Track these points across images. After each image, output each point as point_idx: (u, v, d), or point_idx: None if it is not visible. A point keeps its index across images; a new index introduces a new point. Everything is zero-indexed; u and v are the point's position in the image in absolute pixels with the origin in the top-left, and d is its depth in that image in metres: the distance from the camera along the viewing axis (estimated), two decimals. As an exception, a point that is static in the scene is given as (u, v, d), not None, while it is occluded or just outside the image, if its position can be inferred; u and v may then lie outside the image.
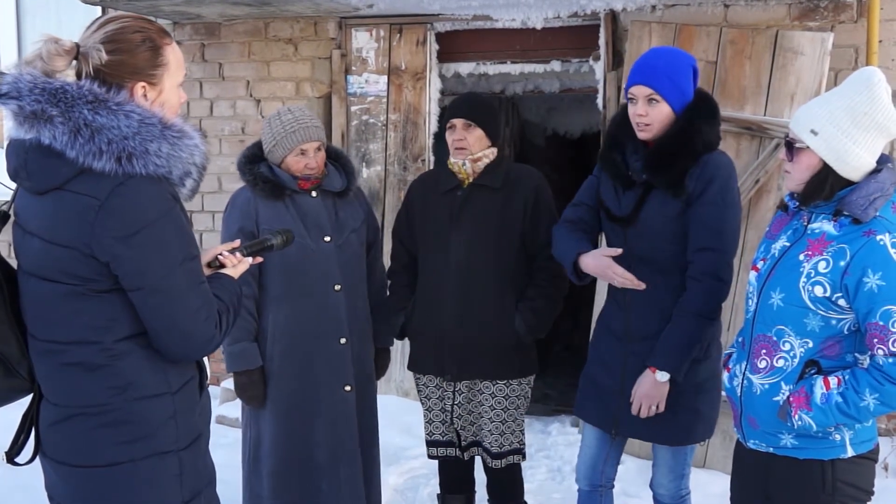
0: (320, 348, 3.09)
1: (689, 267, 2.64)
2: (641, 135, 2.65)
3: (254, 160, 3.11)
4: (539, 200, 3.16)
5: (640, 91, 2.61)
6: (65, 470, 1.90)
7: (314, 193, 3.11)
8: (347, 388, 3.12)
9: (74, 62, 1.84)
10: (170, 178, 1.84)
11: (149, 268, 1.81)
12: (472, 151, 3.14)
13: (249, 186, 3.09)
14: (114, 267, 1.81)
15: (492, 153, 3.18)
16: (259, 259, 2.29)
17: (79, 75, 1.84)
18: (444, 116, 3.27)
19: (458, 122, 3.15)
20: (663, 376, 2.63)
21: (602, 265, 2.65)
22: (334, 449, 3.11)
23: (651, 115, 2.60)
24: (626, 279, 2.62)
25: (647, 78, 2.59)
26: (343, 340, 3.11)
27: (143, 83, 1.87)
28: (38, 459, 1.97)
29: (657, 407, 2.66)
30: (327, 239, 3.09)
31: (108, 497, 1.88)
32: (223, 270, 2.11)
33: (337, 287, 3.10)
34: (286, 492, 3.10)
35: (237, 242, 2.21)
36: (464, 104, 3.20)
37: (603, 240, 2.93)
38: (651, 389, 2.65)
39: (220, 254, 2.13)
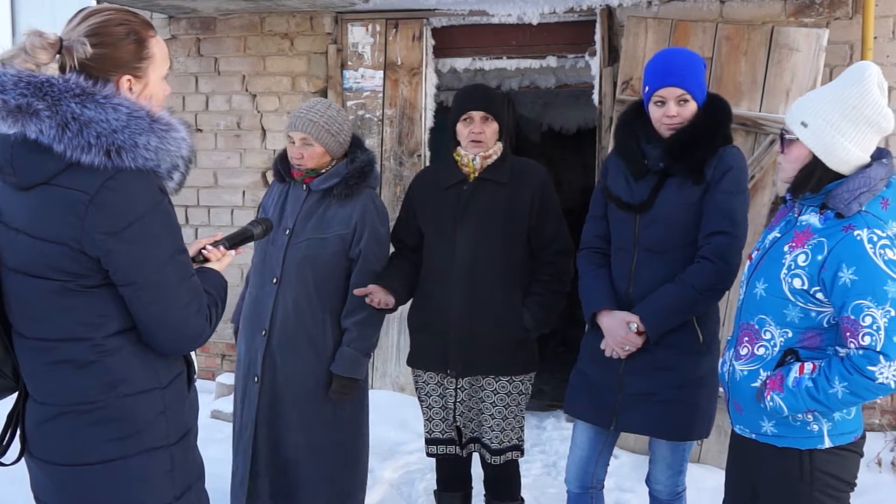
0: (247, 335, 3.19)
1: (700, 249, 2.67)
2: (669, 133, 2.71)
3: None
4: (545, 195, 3.14)
5: (671, 93, 2.68)
6: (53, 469, 1.87)
7: (305, 186, 3.14)
8: (255, 379, 3.14)
9: (58, 56, 1.80)
10: (158, 172, 1.82)
11: (140, 262, 1.79)
12: (489, 145, 3.11)
13: None
14: (105, 262, 1.78)
15: (499, 148, 3.15)
16: (241, 250, 2.29)
17: (63, 69, 1.81)
18: (456, 106, 3.15)
19: (477, 114, 3.08)
20: (634, 327, 2.70)
21: (617, 331, 2.72)
22: (238, 436, 3.21)
23: (682, 114, 2.69)
24: (623, 351, 2.73)
25: (680, 80, 2.67)
26: (263, 332, 3.11)
27: (128, 76, 1.85)
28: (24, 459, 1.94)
29: (625, 350, 2.74)
30: (286, 231, 3.10)
31: (99, 496, 1.86)
32: (208, 264, 2.10)
33: (274, 280, 3.10)
34: (233, 465, 3.26)
35: (219, 235, 2.21)
36: (481, 96, 3.13)
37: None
38: (624, 335, 2.71)
39: (204, 248, 2.11)
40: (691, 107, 2.69)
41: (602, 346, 2.79)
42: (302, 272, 3.08)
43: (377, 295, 3.03)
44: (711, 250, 2.63)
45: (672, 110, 2.68)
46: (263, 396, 3.11)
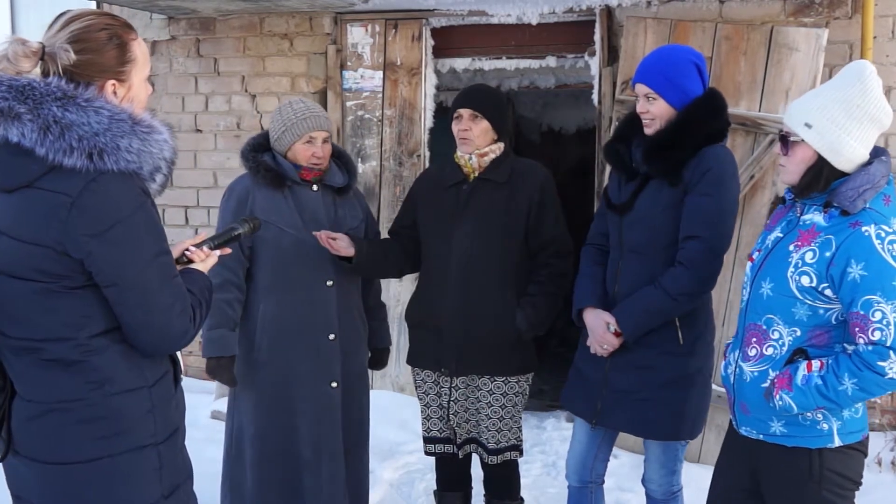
0: (309, 343, 3.07)
1: (678, 253, 2.68)
2: (647, 130, 2.75)
3: (258, 149, 3.13)
4: (544, 196, 3.14)
5: (639, 89, 2.74)
6: (40, 467, 1.86)
7: (315, 187, 3.11)
8: (334, 384, 3.10)
9: (40, 62, 1.81)
10: (140, 174, 1.84)
11: (123, 264, 1.80)
12: (477, 144, 3.11)
13: (251, 174, 3.09)
14: (87, 264, 1.79)
15: (498, 148, 3.15)
16: (228, 250, 2.28)
17: (46, 73, 1.81)
18: (452, 106, 3.20)
19: (465, 112, 3.11)
20: (612, 328, 2.75)
21: (597, 329, 2.78)
22: (318, 445, 3.09)
23: (651, 111, 2.71)
24: (602, 349, 2.78)
25: (644, 77, 2.72)
26: (332, 336, 3.09)
27: (112, 81, 1.86)
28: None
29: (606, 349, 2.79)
30: None
31: (87, 494, 1.86)
32: (192, 265, 2.10)
33: (329, 283, 3.08)
34: (268, 484, 3.09)
35: (203, 236, 2.21)
36: (471, 94, 3.16)
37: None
38: (602, 333, 2.76)
39: (188, 249, 2.11)
40: (660, 104, 2.69)
41: (588, 344, 2.84)
42: (346, 271, 3.12)
43: (341, 241, 3.03)
44: (685, 255, 2.64)
45: (642, 107, 2.73)
46: (346, 399, 3.14)
